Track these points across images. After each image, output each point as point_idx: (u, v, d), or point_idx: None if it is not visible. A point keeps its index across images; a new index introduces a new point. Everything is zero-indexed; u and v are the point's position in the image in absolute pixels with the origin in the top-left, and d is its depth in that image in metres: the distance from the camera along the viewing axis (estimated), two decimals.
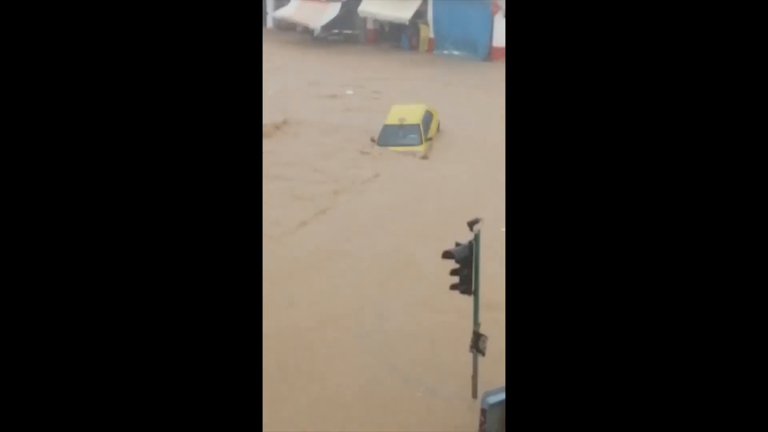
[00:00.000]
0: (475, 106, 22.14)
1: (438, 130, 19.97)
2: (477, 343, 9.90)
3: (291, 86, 24.09)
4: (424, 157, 18.67)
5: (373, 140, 19.16)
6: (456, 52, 29.00)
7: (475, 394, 9.78)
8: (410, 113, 19.65)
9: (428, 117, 19.78)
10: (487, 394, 8.67)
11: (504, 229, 8.11)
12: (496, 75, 24.94)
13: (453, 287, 9.80)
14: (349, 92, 24.66)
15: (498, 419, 8.42)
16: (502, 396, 8.26)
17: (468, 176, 17.22)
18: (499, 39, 27.75)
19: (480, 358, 9.73)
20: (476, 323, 9.78)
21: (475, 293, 9.73)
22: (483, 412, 8.56)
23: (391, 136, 19.02)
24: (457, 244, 9.69)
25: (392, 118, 19.47)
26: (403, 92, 22.96)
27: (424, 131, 19.19)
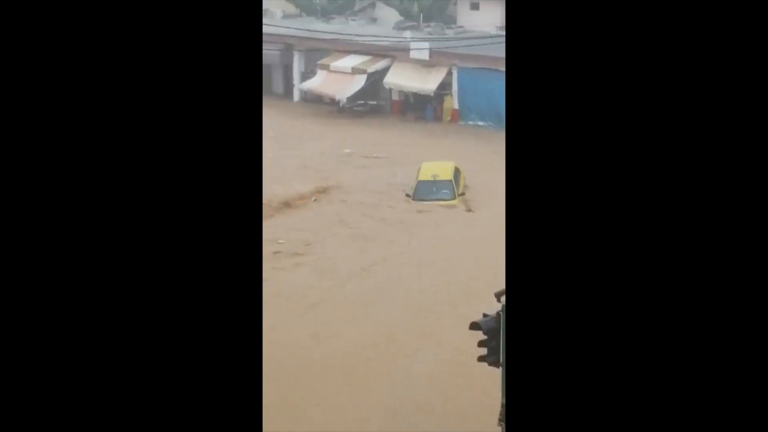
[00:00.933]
0: (497, 169, 23.02)
1: (465, 186, 20.97)
2: (506, 417, 9.46)
3: (316, 155, 25.35)
4: (469, 210, 19.98)
5: (408, 195, 20.50)
6: (481, 123, 29.46)
7: None
8: (441, 170, 20.88)
9: (457, 173, 20.99)
10: None
11: None
12: None
13: (481, 359, 9.70)
14: (347, 150, 26.11)
15: None
16: None
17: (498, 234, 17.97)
18: None
19: None
20: (505, 396, 9.49)
21: (504, 365, 9.50)
22: None
23: (425, 191, 20.33)
24: (485, 315, 9.53)
25: (425, 175, 20.71)
26: (426, 158, 24.00)
27: (456, 186, 20.21)
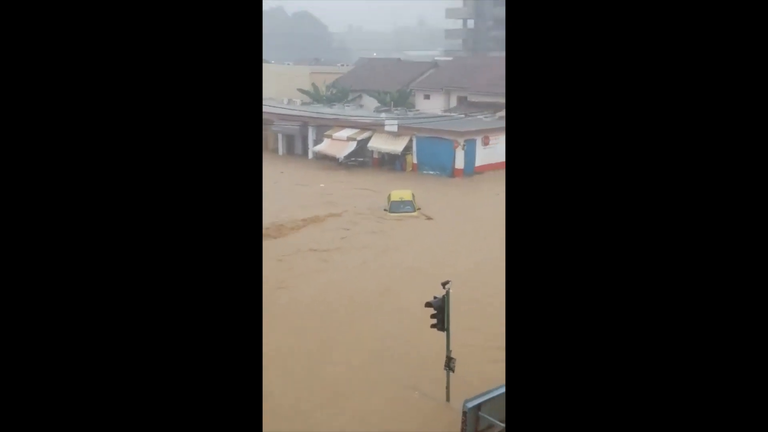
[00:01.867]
0: (441, 198, 29.73)
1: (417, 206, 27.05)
2: (449, 364, 10.65)
3: (326, 191, 30.74)
4: (429, 218, 25.61)
5: (385, 210, 26.73)
6: (431, 172, 35.16)
7: (448, 398, 11.19)
8: (404, 194, 27.64)
9: (413, 197, 27.50)
10: (467, 400, 9.19)
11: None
12: (456, 184, 32.53)
13: (433, 326, 10.82)
14: (322, 185, 30.92)
15: (473, 419, 9.02)
16: (476, 402, 9.10)
17: (447, 236, 22.96)
18: (459, 163, 34.51)
19: (451, 373, 10.97)
20: (448, 350, 10.88)
21: (447, 330, 10.75)
22: (464, 413, 9.07)
23: (396, 207, 26.78)
24: (435, 298, 10.69)
25: (395, 197, 27.31)
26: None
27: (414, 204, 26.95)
